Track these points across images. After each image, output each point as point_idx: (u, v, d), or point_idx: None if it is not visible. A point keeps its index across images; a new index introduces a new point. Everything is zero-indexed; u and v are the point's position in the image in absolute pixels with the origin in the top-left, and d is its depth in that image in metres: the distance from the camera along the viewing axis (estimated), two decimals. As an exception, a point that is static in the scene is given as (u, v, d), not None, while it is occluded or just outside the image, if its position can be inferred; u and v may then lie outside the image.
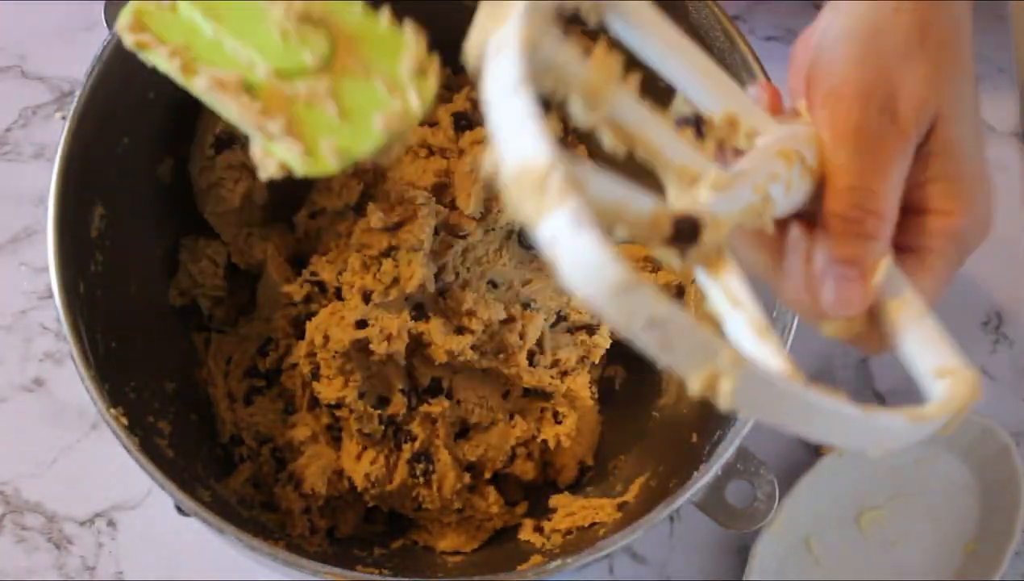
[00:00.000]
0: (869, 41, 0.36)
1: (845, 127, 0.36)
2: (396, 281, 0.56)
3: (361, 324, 0.56)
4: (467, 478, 0.58)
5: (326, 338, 0.56)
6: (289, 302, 0.60)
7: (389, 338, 0.56)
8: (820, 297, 0.36)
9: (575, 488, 0.61)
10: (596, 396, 0.63)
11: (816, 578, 0.65)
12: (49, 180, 0.49)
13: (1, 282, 0.69)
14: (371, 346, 0.56)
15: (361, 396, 0.57)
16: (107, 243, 0.53)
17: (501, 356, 0.59)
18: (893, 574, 0.66)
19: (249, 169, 0.59)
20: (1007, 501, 0.65)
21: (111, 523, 0.65)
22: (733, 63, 0.48)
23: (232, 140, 0.57)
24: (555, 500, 0.59)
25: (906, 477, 0.66)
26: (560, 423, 0.60)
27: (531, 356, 0.60)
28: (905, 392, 0.69)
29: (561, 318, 0.61)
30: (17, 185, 0.71)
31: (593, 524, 0.55)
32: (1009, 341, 0.71)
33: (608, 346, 0.61)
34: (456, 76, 0.63)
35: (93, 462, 0.65)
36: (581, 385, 0.61)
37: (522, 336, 0.59)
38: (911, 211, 0.38)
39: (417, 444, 0.58)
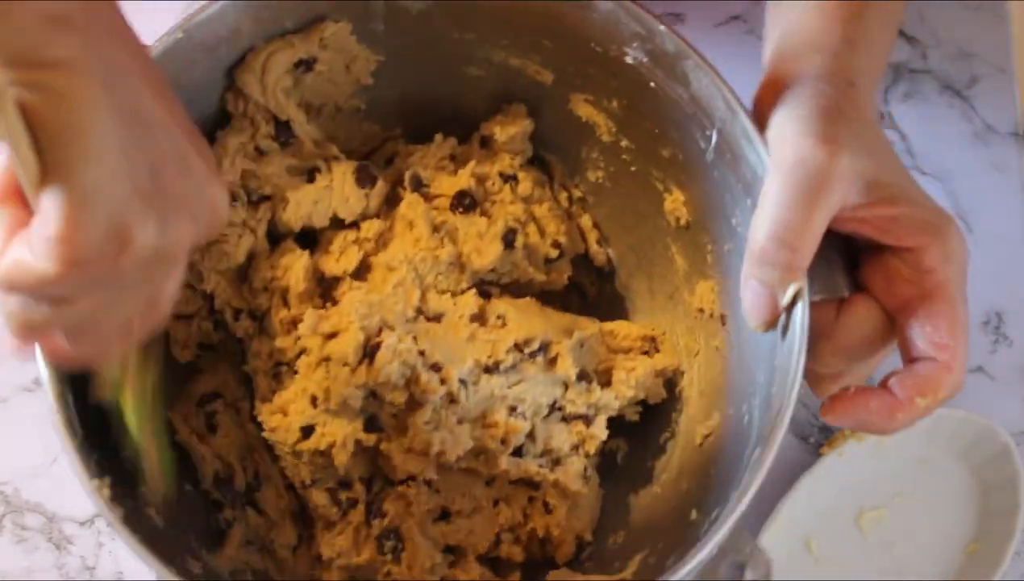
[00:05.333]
0: (800, 120, 0.45)
1: (785, 174, 0.44)
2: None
3: (307, 431, 0.55)
4: (439, 557, 0.57)
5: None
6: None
7: (332, 445, 0.54)
8: (742, 299, 0.47)
9: (574, 563, 0.59)
10: (591, 475, 0.61)
11: (816, 578, 0.65)
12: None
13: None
14: (319, 448, 0.55)
15: (313, 483, 0.56)
16: None
17: (481, 458, 0.58)
18: (893, 574, 0.66)
19: (251, 227, 0.58)
20: (1007, 501, 0.65)
21: (111, 524, 0.65)
22: (733, 132, 0.48)
23: (232, 198, 0.56)
24: (552, 576, 0.57)
25: (906, 477, 0.66)
26: (550, 513, 0.59)
27: (520, 445, 0.58)
28: (905, 392, 0.69)
29: (556, 408, 0.59)
30: (17, 185, 0.71)
31: None
32: (1009, 341, 0.71)
33: (605, 437, 0.59)
34: (461, 146, 0.62)
35: (93, 462, 0.66)
36: (573, 475, 0.58)
37: (504, 442, 0.57)
38: (902, 255, 0.46)
39: (386, 521, 0.56)
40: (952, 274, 0.45)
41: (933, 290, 0.45)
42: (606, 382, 0.59)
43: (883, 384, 0.45)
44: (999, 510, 0.65)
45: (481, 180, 0.60)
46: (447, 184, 0.60)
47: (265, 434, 0.56)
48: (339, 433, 0.54)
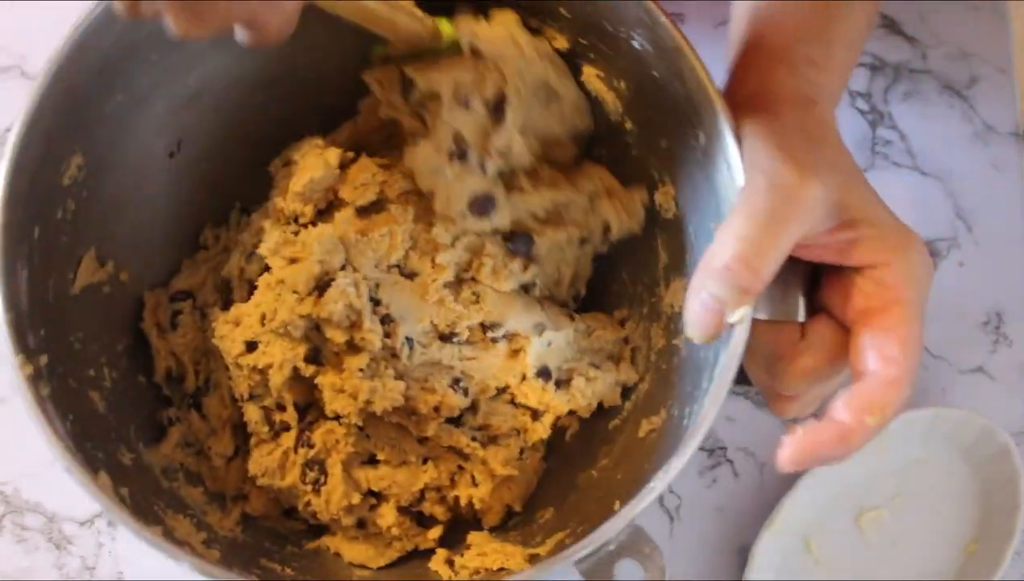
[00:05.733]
0: (772, 144, 0.45)
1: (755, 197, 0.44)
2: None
3: (251, 346, 0.56)
4: (357, 498, 0.57)
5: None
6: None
7: (270, 366, 0.56)
8: (686, 306, 0.45)
9: (498, 529, 0.60)
10: (529, 455, 0.61)
11: (816, 578, 0.65)
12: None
13: None
14: (258, 365, 0.56)
15: (251, 398, 0.57)
16: (83, 194, 0.52)
17: (413, 418, 0.58)
18: (893, 574, 0.66)
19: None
20: (1007, 501, 0.65)
21: (111, 523, 0.65)
22: (718, 140, 0.49)
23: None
24: (472, 537, 0.58)
25: (906, 477, 0.66)
26: (476, 486, 0.59)
27: (460, 414, 0.59)
28: (905, 392, 0.69)
29: (505, 391, 0.59)
30: (17, 185, 0.71)
31: (501, 569, 0.54)
32: (1009, 341, 0.71)
33: (547, 436, 0.59)
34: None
35: (93, 462, 0.66)
36: (503, 459, 0.58)
37: (436, 410, 0.57)
38: (863, 272, 0.46)
39: (313, 452, 0.57)
40: (913, 293, 0.45)
41: (890, 304, 0.45)
42: (565, 381, 0.59)
43: (828, 412, 0.45)
44: (999, 510, 0.65)
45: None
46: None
47: (214, 340, 0.57)
48: (278, 355, 0.55)
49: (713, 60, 0.49)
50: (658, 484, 0.46)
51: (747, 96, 0.48)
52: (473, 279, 0.58)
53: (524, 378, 0.58)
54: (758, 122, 0.47)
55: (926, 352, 0.70)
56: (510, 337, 0.58)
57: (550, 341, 0.58)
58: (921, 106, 0.75)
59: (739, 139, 0.47)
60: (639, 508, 0.46)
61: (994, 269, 0.72)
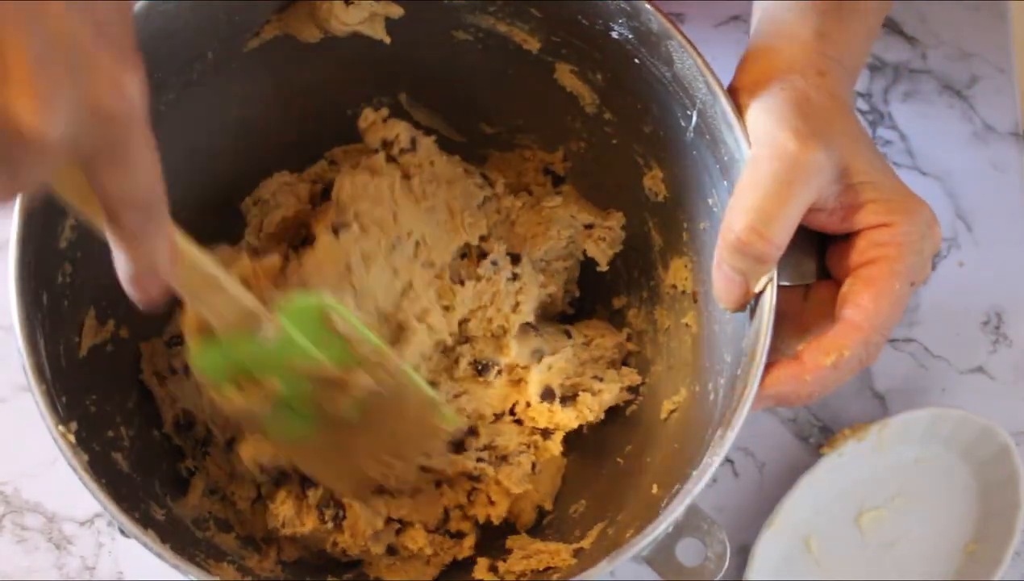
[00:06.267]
0: (775, 114, 0.46)
1: (759, 170, 0.45)
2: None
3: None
4: (380, 523, 0.56)
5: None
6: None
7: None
8: (713, 280, 0.47)
9: (534, 530, 0.59)
10: (540, 469, 0.60)
11: (816, 578, 0.65)
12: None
13: (1, 283, 0.69)
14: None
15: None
16: (77, 254, 0.52)
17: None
18: (893, 574, 0.66)
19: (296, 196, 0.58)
20: (1007, 501, 0.65)
21: (111, 523, 0.65)
22: (713, 115, 0.49)
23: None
24: (512, 541, 0.57)
25: (906, 477, 0.66)
26: (493, 504, 0.58)
27: (461, 440, 0.58)
28: (905, 392, 0.69)
29: (510, 413, 0.59)
30: (17, 185, 0.71)
31: (548, 568, 0.54)
32: (1009, 341, 0.71)
33: (559, 452, 0.59)
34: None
35: (93, 462, 0.65)
36: (517, 478, 0.57)
37: (427, 455, 0.57)
38: (862, 233, 0.46)
39: (321, 492, 0.56)
40: (906, 254, 0.46)
41: (878, 259, 0.46)
42: (571, 397, 0.59)
43: (797, 356, 0.46)
44: (999, 510, 0.65)
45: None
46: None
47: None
48: (249, 449, 0.55)
49: (713, 60, 0.49)
50: (715, 459, 0.45)
51: (756, 69, 0.49)
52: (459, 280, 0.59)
53: (528, 404, 0.58)
54: (760, 98, 0.48)
55: (926, 352, 0.70)
56: (510, 369, 0.57)
57: (550, 364, 0.58)
58: (921, 106, 0.75)
59: (739, 108, 0.48)
60: (699, 486, 0.45)
61: (994, 269, 0.72)
